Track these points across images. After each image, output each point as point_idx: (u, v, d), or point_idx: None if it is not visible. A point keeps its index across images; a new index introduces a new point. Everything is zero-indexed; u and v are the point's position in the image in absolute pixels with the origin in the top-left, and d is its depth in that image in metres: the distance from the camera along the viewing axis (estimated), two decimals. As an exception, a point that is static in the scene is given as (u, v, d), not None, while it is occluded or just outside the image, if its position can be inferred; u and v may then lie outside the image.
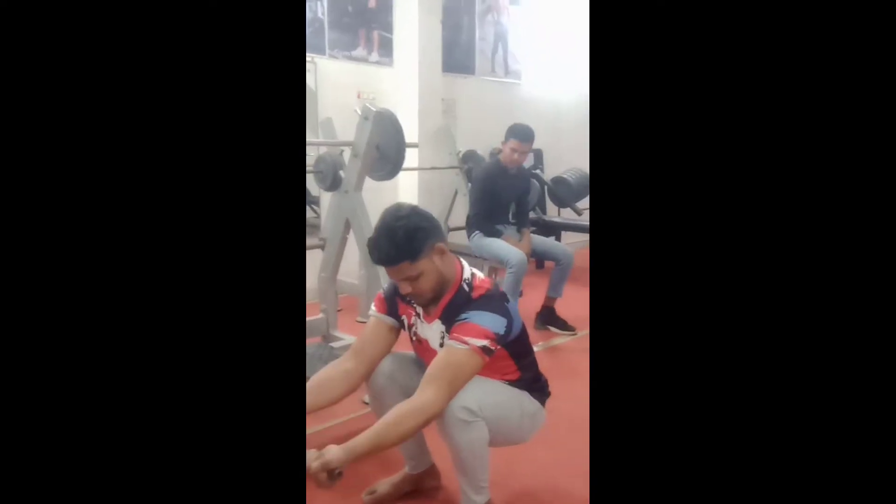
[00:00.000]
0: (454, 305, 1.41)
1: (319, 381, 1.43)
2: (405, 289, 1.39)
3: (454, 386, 1.30)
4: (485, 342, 1.32)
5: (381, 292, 1.56)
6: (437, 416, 1.30)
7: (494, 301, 1.39)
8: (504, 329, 1.36)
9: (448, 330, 1.38)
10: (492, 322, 1.34)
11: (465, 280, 1.43)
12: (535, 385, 1.51)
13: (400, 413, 1.28)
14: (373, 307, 1.55)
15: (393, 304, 1.52)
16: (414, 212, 1.39)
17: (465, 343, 1.31)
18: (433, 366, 1.33)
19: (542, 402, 1.51)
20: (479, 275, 1.47)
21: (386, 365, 1.49)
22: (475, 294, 1.41)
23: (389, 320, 1.51)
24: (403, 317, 1.51)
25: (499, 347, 1.36)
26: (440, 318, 1.43)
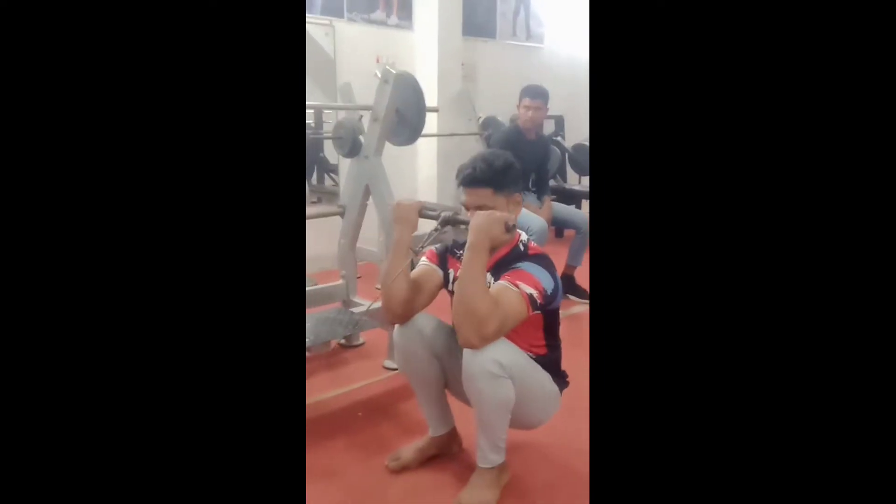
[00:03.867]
0: (507, 259, 1.43)
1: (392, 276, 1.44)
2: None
3: (505, 322, 1.31)
4: (534, 292, 1.34)
5: (432, 248, 1.58)
6: (489, 325, 1.28)
7: (547, 261, 1.43)
8: (552, 289, 1.39)
9: (496, 281, 1.39)
10: (544, 277, 1.37)
11: (521, 241, 1.48)
12: (557, 371, 1.53)
13: (483, 291, 1.30)
14: (424, 259, 1.57)
15: (444, 258, 1.56)
16: (512, 158, 1.48)
17: (517, 286, 1.33)
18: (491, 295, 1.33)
19: (560, 390, 1.52)
20: (534, 243, 1.50)
21: (417, 320, 1.50)
22: (530, 252, 1.45)
23: (439, 271, 1.55)
24: (451, 270, 1.54)
25: (543, 304, 1.38)
26: (490, 271, 1.44)
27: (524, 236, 1.49)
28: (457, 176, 1.47)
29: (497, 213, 1.35)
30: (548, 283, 1.38)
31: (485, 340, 1.30)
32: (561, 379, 1.53)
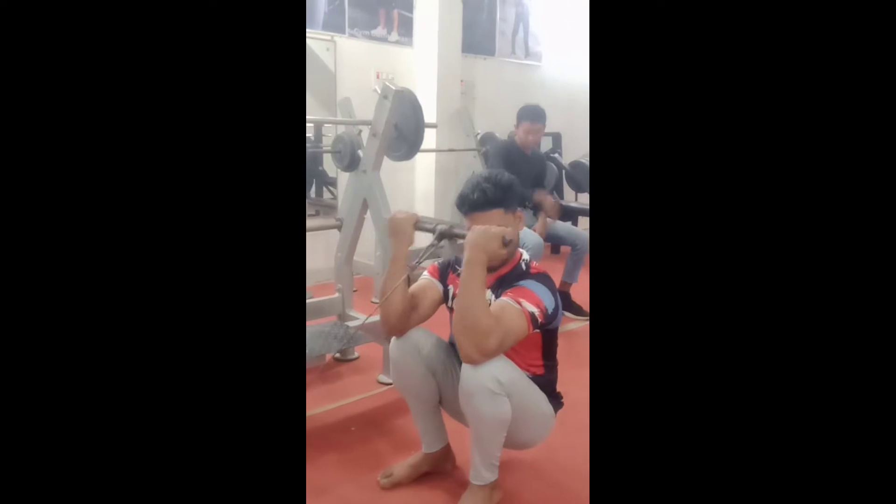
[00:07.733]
0: (509, 278, 1.43)
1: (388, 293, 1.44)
2: None
3: (506, 338, 1.30)
4: (535, 310, 1.34)
5: (434, 263, 1.59)
6: (490, 341, 1.27)
7: (549, 281, 1.44)
8: (552, 308, 1.39)
9: (497, 297, 1.39)
10: (546, 295, 1.37)
11: (523, 260, 1.49)
12: (553, 392, 1.53)
13: (484, 307, 1.29)
14: (425, 273, 1.58)
15: (444, 273, 1.57)
16: (511, 174, 1.46)
17: (519, 304, 1.33)
18: (493, 311, 1.32)
19: (555, 411, 1.52)
20: (535, 262, 1.51)
21: (413, 335, 1.49)
22: (532, 271, 1.45)
23: (439, 286, 1.55)
24: (451, 287, 1.54)
25: (544, 323, 1.38)
26: (491, 288, 1.44)
27: (526, 255, 1.50)
28: (461, 204, 1.44)
29: (494, 228, 1.33)
30: (549, 302, 1.38)
31: (485, 356, 1.30)
32: (556, 400, 1.53)
